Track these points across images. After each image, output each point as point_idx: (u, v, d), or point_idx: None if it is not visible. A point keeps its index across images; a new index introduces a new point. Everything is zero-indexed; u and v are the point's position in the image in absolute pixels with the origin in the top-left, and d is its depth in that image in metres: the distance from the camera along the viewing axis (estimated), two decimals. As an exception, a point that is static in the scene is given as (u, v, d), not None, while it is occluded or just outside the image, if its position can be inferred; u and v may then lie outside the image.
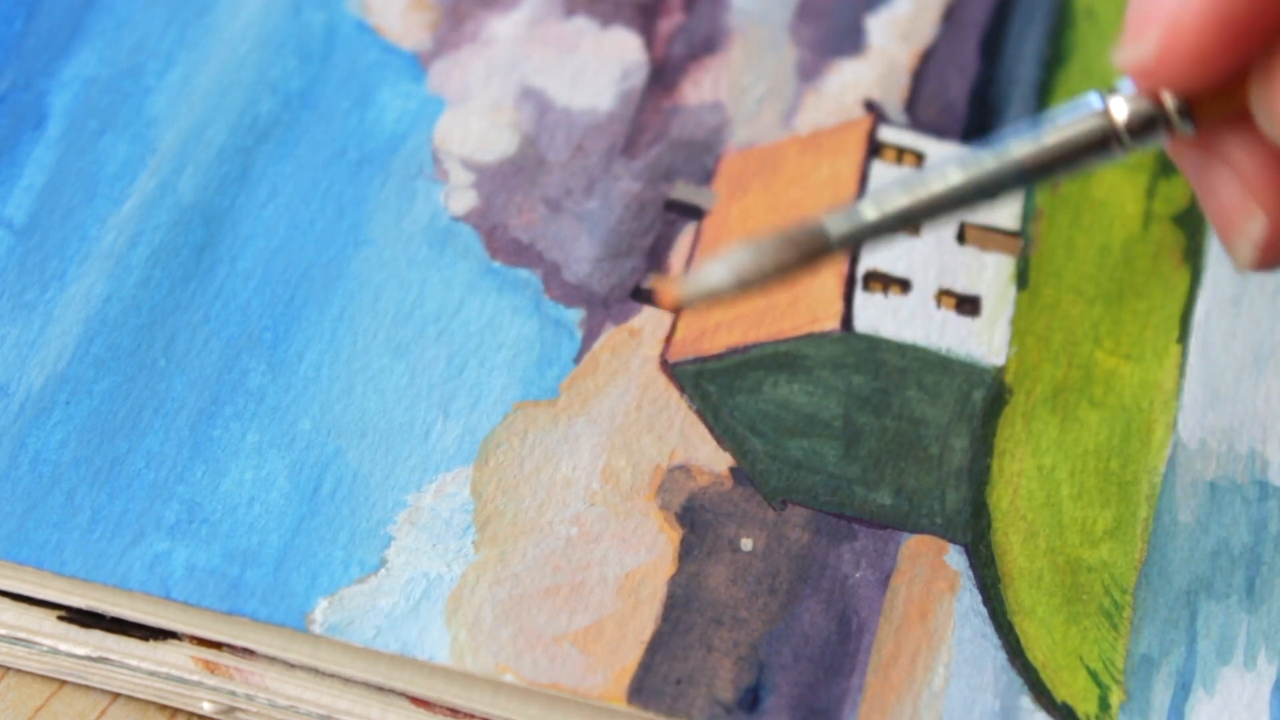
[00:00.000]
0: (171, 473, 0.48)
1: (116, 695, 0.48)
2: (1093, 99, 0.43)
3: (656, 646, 0.47)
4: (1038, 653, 0.47)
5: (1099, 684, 0.47)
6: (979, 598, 0.48)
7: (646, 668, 0.46)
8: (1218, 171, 0.43)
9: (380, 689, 0.47)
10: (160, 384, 0.50)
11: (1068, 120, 0.42)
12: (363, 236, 0.53)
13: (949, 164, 0.42)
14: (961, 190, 0.42)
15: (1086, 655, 0.48)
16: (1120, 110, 0.42)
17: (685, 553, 0.48)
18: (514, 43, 0.56)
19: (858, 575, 0.48)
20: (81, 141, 0.54)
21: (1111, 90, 0.43)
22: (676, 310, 0.44)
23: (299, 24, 0.56)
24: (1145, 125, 0.42)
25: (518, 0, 0.57)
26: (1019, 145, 0.42)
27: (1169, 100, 0.42)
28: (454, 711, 0.47)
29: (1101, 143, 0.42)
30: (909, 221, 0.42)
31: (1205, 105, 0.42)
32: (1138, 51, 0.41)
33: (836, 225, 0.42)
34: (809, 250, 0.42)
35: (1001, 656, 0.47)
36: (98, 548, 0.47)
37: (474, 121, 0.55)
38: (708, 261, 0.43)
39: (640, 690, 0.46)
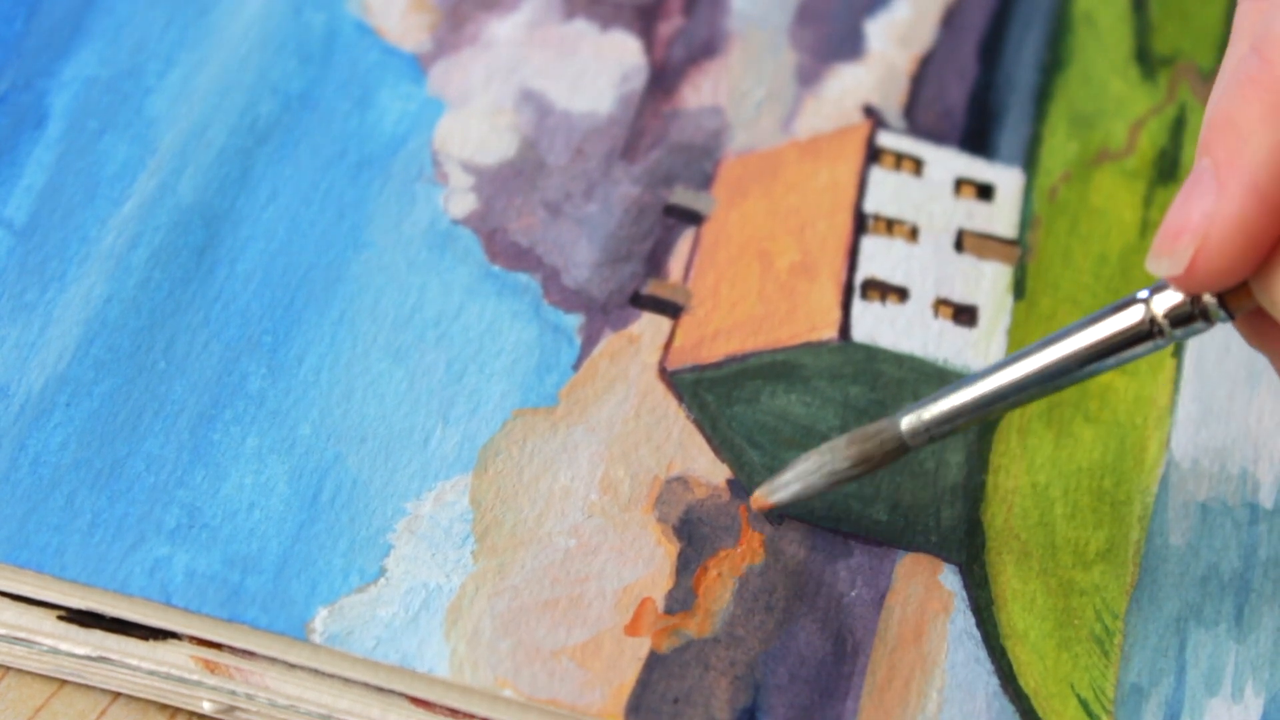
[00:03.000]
0: (172, 476, 0.49)
1: (117, 695, 0.49)
2: (1135, 298, 0.46)
3: (654, 663, 0.47)
4: (1029, 679, 0.48)
5: (1089, 713, 0.47)
6: (972, 620, 0.48)
7: (644, 685, 0.47)
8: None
9: (380, 689, 0.47)
10: (160, 386, 0.50)
11: (1115, 318, 0.46)
12: (362, 239, 0.53)
13: (1004, 365, 0.47)
14: (1019, 385, 0.47)
15: (1078, 683, 0.48)
16: (1161, 306, 0.45)
17: (682, 567, 0.48)
18: (514, 45, 0.56)
19: (853, 594, 0.48)
20: (81, 142, 0.53)
21: (1156, 287, 0.46)
22: (762, 510, 0.49)
23: (299, 25, 0.56)
24: (1185, 319, 0.45)
25: (518, 3, 0.57)
26: (1072, 341, 0.46)
27: (1206, 297, 0.45)
28: (454, 712, 0.47)
29: (1148, 335, 0.46)
30: (971, 412, 0.47)
31: (1240, 298, 0.45)
32: (1172, 265, 0.44)
33: (907, 422, 0.48)
34: (888, 452, 0.48)
35: (994, 683, 0.48)
36: (98, 551, 0.47)
37: (474, 124, 0.55)
38: (789, 464, 0.48)
39: (638, 708, 0.46)
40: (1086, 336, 0.46)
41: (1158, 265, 0.44)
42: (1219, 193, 0.43)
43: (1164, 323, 0.45)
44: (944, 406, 0.47)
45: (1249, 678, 0.48)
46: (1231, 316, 0.45)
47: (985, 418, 0.47)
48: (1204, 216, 0.43)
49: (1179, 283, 0.44)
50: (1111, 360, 0.46)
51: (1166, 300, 0.45)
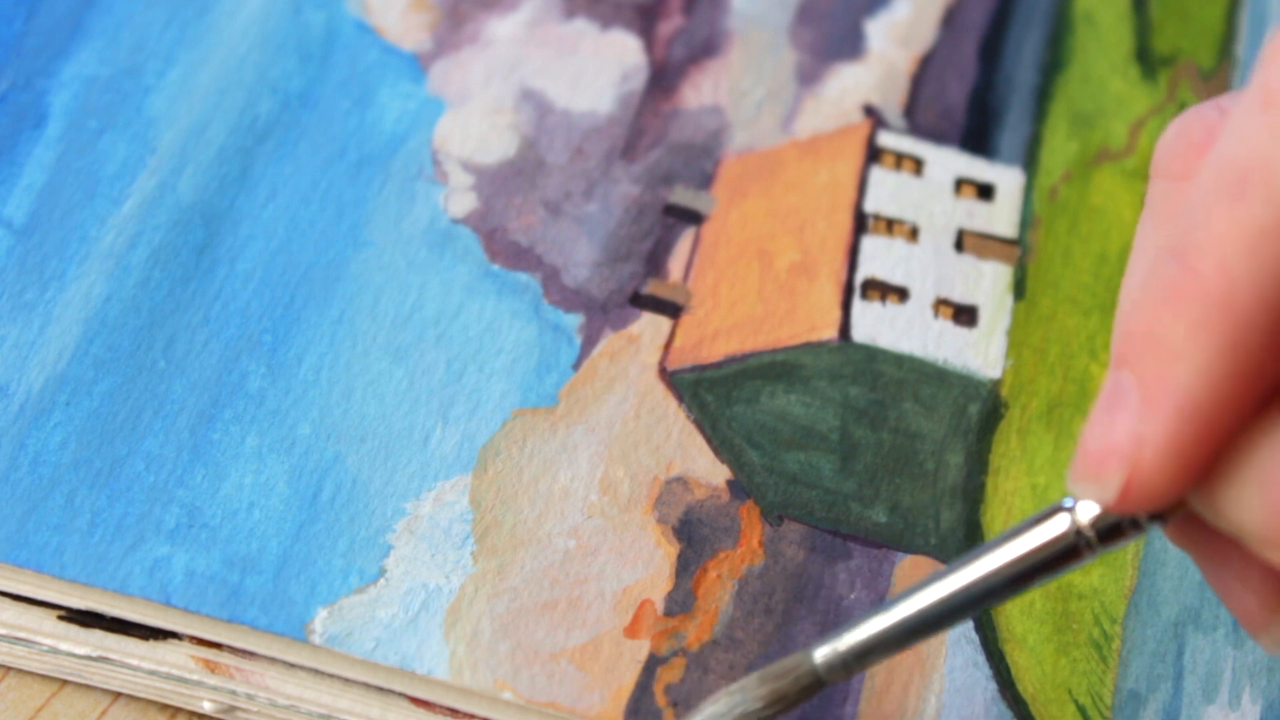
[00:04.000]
0: (171, 476, 0.49)
1: (117, 695, 0.49)
2: (1061, 507, 0.42)
3: (653, 665, 0.47)
4: (1028, 684, 0.48)
5: (1087, 719, 0.47)
6: (971, 624, 0.48)
7: (643, 688, 0.47)
8: (1229, 580, 0.42)
9: (380, 690, 0.47)
10: (160, 386, 0.50)
11: (1035, 533, 0.42)
12: (362, 238, 0.53)
13: (923, 587, 0.43)
14: (937, 612, 0.43)
15: (1075, 689, 0.48)
16: (1088, 516, 0.41)
17: (682, 569, 0.48)
18: (514, 44, 0.56)
19: (852, 596, 0.48)
20: (81, 141, 0.53)
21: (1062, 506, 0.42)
22: None
23: (299, 24, 0.56)
24: (1115, 532, 0.41)
25: (518, 2, 0.57)
26: (989, 562, 0.42)
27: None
28: (454, 712, 0.47)
29: (1072, 552, 0.42)
30: (891, 645, 0.43)
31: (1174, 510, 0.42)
32: (1102, 492, 0.40)
33: (821, 655, 0.44)
34: (803, 688, 0.44)
35: (992, 687, 0.48)
36: (98, 551, 0.47)
37: (474, 123, 0.55)
38: (698, 707, 0.45)
39: (637, 711, 0.46)
40: (1011, 554, 0.42)
41: (1084, 490, 0.40)
42: (1148, 414, 0.39)
43: (1092, 536, 0.41)
44: (860, 637, 0.43)
45: (1246, 684, 0.48)
46: (1164, 523, 0.41)
47: (905, 647, 0.43)
48: (1131, 438, 0.39)
49: (1112, 509, 0.40)
50: (1039, 580, 0.42)
51: (1093, 509, 0.41)
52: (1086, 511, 0.41)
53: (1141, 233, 0.42)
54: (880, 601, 0.48)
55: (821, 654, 0.44)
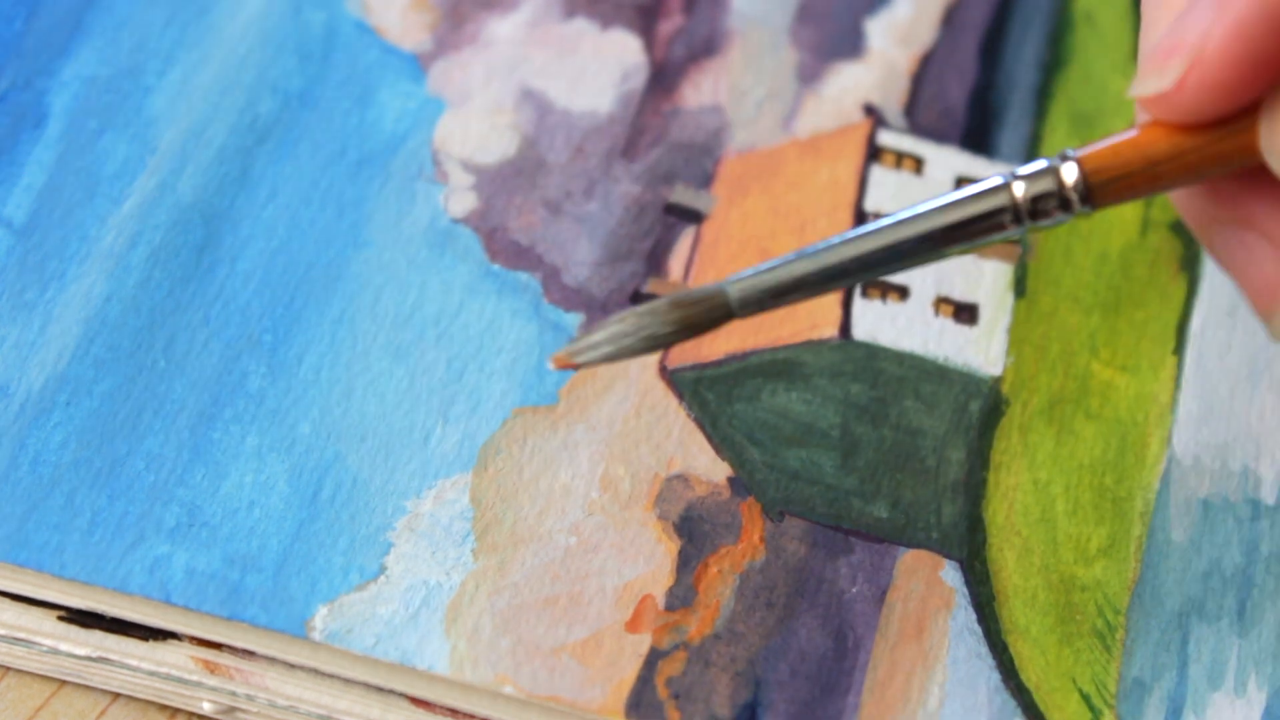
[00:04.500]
0: (171, 475, 0.49)
1: (116, 695, 0.49)
2: (995, 177, 0.44)
3: (655, 660, 0.47)
4: (1031, 674, 0.48)
5: (1091, 708, 0.47)
6: (974, 616, 0.48)
7: (644, 681, 0.47)
8: (1251, 245, 0.43)
9: (380, 689, 0.47)
10: (160, 385, 0.50)
11: (969, 194, 0.43)
12: (362, 238, 0.53)
13: (856, 230, 0.44)
14: (861, 257, 0.44)
15: (1079, 678, 0.48)
16: (1020, 189, 0.43)
17: (683, 564, 0.48)
18: (514, 44, 0.56)
19: (854, 590, 0.48)
20: (81, 141, 0.54)
21: (1014, 175, 0.44)
22: (564, 369, 0.45)
23: (299, 24, 0.56)
24: (1046, 203, 0.43)
25: (518, 1, 0.57)
26: (919, 216, 0.44)
27: (1070, 180, 0.43)
28: (454, 712, 0.47)
29: (998, 216, 0.43)
30: (809, 286, 0.44)
31: (1105, 189, 0.43)
32: (1159, 83, 0.41)
33: (737, 288, 0.44)
34: (713, 313, 0.44)
35: (995, 677, 0.48)
36: (98, 550, 0.47)
37: (474, 123, 0.55)
38: (601, 324, 0.44)
39: (638, 705, 0.46)
40: (939, 214, 0.43)
41: (1144, 85, 0.41)
42: (1219, 13, 0.40)
43: (1023, 207, 0.43)
44: (780, 276, 0.44)
45: (1252, 672, 0.48)
46: (1093, 209, 0.43)
47: (823, 292, 0.44)
48: (1199, 34, 0.40)
49: (1167, 100, 0.41)
50: (963, 244, 0.43)
51: (1029, 185, 0.43)
52: (1021, 187, 0.43)
53: None
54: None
55: (738, 286, 0.44)
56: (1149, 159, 0.43)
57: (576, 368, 0.45)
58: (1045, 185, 0.44)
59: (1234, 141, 0.42)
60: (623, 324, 0.44)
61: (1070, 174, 0.44)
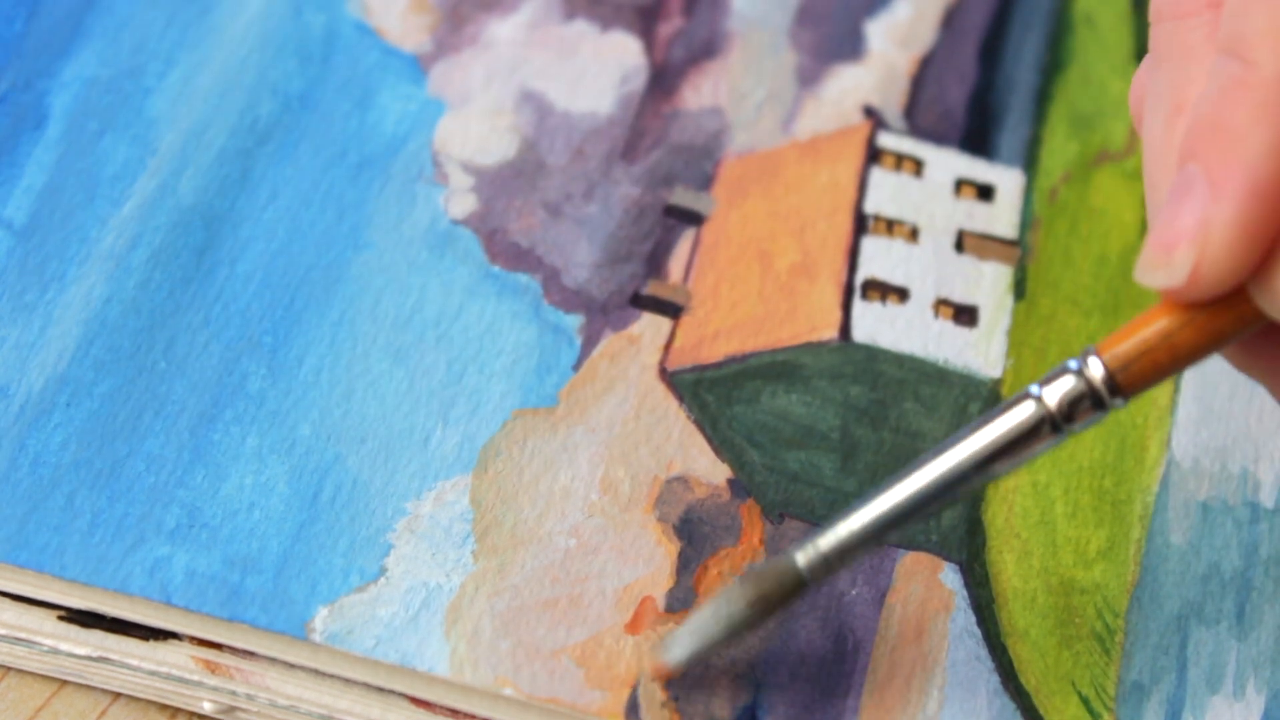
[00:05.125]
0: (172, 476, 0.49)
1: (117, 695, 0.49)
2: (1027, 394, 0.45)
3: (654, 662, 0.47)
4: (1030, 677, 0.48)
5: (1090, 711, 0.48)
6: (973, 618, 0.48)
7: (645, 684, 0.47)
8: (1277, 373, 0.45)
9: (380, 690, 0.47)
10: (160, 387, 0.50)
11: (1003, 416, 0.45)
12: (363, 240, 0.53)
13: (897, 481, 0.45)
14: (917, 500, 0.45)
15: (1079, 681, 0.48)
16: (1052, 398, 0.44)
17: (683, 566, 0.48)
18: (514, 46, 0.56)
19: (854, 592, 0.48)
20: (81, 142, 0.54)
21: (1045, 380, 0.45)
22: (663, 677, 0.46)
23: (299, 26, 0.56)
24: (1081, 408, 0.44)
25: (518, 3, 0.57)
26: (967, 446, 0.45)
27: (1098, 379, 0.44)
28: (454, 712, 0.47)
29: (1038, 429, 0.44)
30: (872, 543, 0.45)
31: (1133, 380, 0.44)
32: (1170, 276, 0.43)
33: (805, 560, 0.45)
34: (786, 590, 0.45)
35: (995, 680, 0.48)
36: (98, 551, 0.47)
37: (474, 125, 0.55)
38: (683, 626, 0.46)
39: (638, 707, 0.46)
40: (982, 439, 0.44)
41: (1153, 277, 0.43)
42: (1216, 198, 0.42)
43: (1059, 416, 0.44)
44: (840, 535, 0.45)
45: (1251, 675, 0.48)
46: (1125, 400, 0.44)
47: (884, 541, 0.45)
48: (1200, 222, 0.42)
49: (1180, 293, 0.43)
50: (1008, 462, 0.44)
51: (1058, 391, 0.44)
52: (1052, 395, 0.44)
53: (1152, 79, 0.45)
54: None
55: (803, 555, 0.45)
56: (1171, 343, 0.44)
57: (672, 672, 0.46)
58: (1076, 389, 0.44)
59: (1247, 306, 0.44)
60: (703, 611, 0.46)
61: (1096, 371, 0.44)
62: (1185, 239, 0.42)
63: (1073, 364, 0.44)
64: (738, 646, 0.46)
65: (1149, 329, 0.44)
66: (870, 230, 0.54)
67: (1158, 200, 0.43)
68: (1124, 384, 0.44)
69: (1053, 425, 0.44)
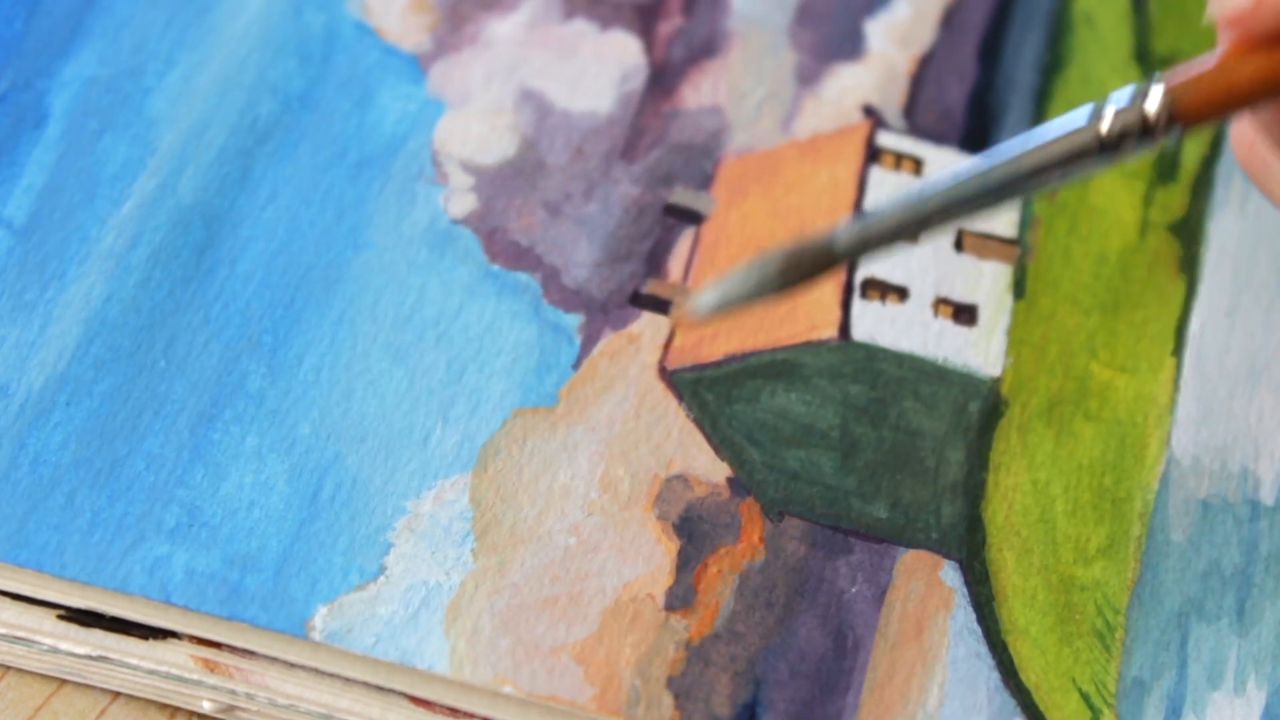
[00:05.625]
0: (171, 475, 0.49)
1: (117, 694, 0.49)
2: (1084, 109, 0.44)
3: (654, 659, 0.47)
4: (1031, 674, 0.48)
5: (1091, 707, 0.48)
6: (973, 615, 0.48)
7: (644, 680, 0.47)
8: None
9: (380, 689, 0.47)
10: (160, 386, 0.50)
11: (1061, 126, 0.44)
12: (362, 239, 0.53)
13: (948, 172, 0.44)
14: (962, 194, 0.44)
15: (1079, 677, 0.48)
16: (1109, 118, 0.44)
17: (682, 564, 0.49)
18: (514, 45, 0.56)
19: (854, 590, 0.49)
20: (81, 142, 0.54)
21: (1104, 101, 0.44)
22: (690, 327, 0.45)
23: (299, 26, 0.56)
24: (1132, 131, 0.44)
25: (517, 3, 0.57)
26: (1015, 150, 0.44)
27: (1156, 106, 0.44)
28: (454, 711, 0.47)
29: (1095, 147, 0.44)
30: (913, 228, 0.44)
31: (1191, 112, 0.44)
32: (1238, 1, 0.43)
33: (843, 233, 0.44)
34: (817, 260, 0.43)
35: (995, 677, 0.48)
36: (98, 550, 0.47)
37: (474, 124, 0.55)
38: (714, 278, 0.44)
39: (637, 704, 0.46)
40: (1037, 149, 0.44)
41: (1221, 3, 0.43)
42: None
43: (1116, 135, 0.44)
44: (883, 214, 0.44)
45: (1251, 671, 0.48)
46: (1183, 133, 0.44)
47: (923, 231, 0.44)
48: None
49: (1241, 21, 0.43)
50: (1059, 173, 0.44)
51: (1115, 111, 0.44)
52: (1107, 121, 0.44)
53: None
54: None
55: (844, 230, 0.44)
56: (1230, 79, 0.44)
57: (699, 321, 0.45)
58: (1134, 111, 0.44)
59: None
60: (734, 272, 0.44)
61: (1156, 96, 0.44)
62: None
63: (1134, 87, 0.44)
64: (761, 304, 0.44)
65: (1208, 63, 0.44)
66: (870, 229, 0.54)
67: None
68: (1179, 113, 0.44)
69: (1109, 145, 0.44)
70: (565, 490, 0.49)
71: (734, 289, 0.44)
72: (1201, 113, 0.44)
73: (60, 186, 0.53)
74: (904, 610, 0.48)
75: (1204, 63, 0.44)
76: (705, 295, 0.44)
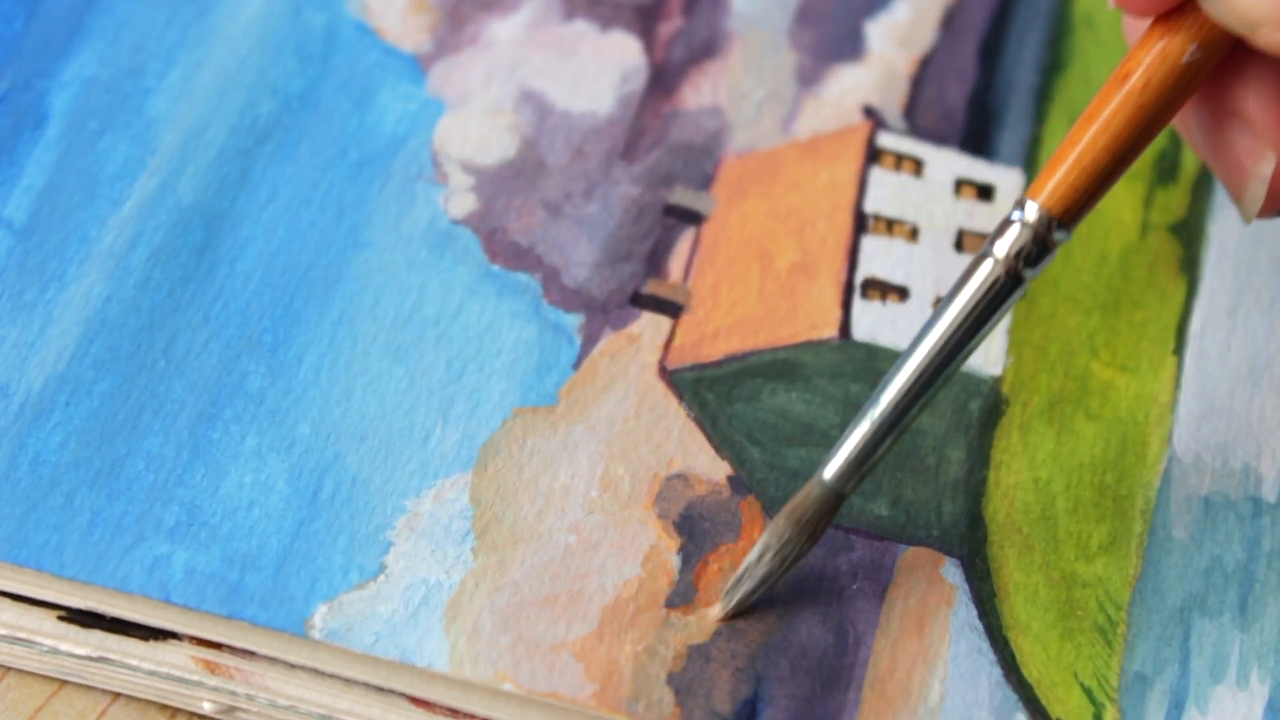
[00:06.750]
0: (171, 475, 0.49)
1: (117, 695, 0.49)
2: (983, 252, 0.47)
3: (654, 656, 0.47)
4: (1033, 669, 0.48)
5: (1093, 701, 0.48)
6: (975, 612, 0.48)
7: (645, 678, 0.47)
8: (1225, 127, 0.47)
9: (380, 689, 0.47)
10: (160, 386, 0.50)
11: (968, 277, 0.47)
12: (362, 239, 0.53)
13: (892, 380, 0.47)
14: (914, 386, 0.47)
15: (1081, 672, 0.48)
16: (1003, 251, 0.47)
17: (683, 562, 0.48)
18: (514, 45, 0.57)
19: (855, 587, 0.48)
20: (81, 142, 0.54)
21: (992, 239, 0.47)
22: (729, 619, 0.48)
23: (299, 25, 0.56)
24: (1034, 254, 0.47)
25: (517, 3, 0.57)
26: (945, 323, 0.47)
27: (1034, 217, 0.47)
28: (454, 711, 0.47)
29: (1015, 283, 0.47)
30: (883, 436, 0.47)
31: (1066, 210, 0.47)
32: None
33: (832, 473, 0.47)
34: (823, 506, 0.47)
35: (997, 672, 0.48)
36: (97, 550, 0.47)
37: (474, 124, 0.55)
38: (738, 575, 0.47)
39: (638, 701, 0.46)
40: (956, 314, 0.47)
41: None
42: None
43: (1017, 264, 0.46)
44: (857, 442, 0.47)
45: (1254, 665, 0.48)
46: (1069, 232, 0.47)
47: (902, 432, 0.47)
48: None
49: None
50: (989, 324, 0.47)
51: (1007, 244, 0.47)
52: (1002, 249, 0.47)
53: None
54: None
55: (829, 469, 0.47)
56: (1081, 156, 0.47)
57: (734, 611, 0.48)
58: (1022, 236, 0.47)
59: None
60: (752, 552, 0.47)
61: (1032, 213, 0.47)
62: None
63: (1014, 215, 0.47)
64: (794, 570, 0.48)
65: (1059, 155, 0.47)
66: (870, 230, 0.54)
67: None
68: (1059, 213, 0.47)
69: (1015, 276, 0.47)
70: (565, 489, 0.49)
71: (758, 574, 0.47)
72: (1074, 207, 0.47)
73: (60, 186, 0.53)
74: (905, 606, 0.48)
75: (1053, 163, 0.47)
76: (734, 593, 0.47)
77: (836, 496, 0.47)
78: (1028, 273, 0.47)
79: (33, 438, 0.49)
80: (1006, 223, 0.47)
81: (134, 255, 0.52)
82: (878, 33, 0.58)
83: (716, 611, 0.47)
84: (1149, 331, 0.53)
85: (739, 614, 0.47)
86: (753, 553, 0.47)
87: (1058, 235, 0.47)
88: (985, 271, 0.47)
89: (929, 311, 0.53)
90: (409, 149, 0.54)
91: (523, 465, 0.50)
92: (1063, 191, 0.46)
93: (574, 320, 0.52)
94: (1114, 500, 0.50)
